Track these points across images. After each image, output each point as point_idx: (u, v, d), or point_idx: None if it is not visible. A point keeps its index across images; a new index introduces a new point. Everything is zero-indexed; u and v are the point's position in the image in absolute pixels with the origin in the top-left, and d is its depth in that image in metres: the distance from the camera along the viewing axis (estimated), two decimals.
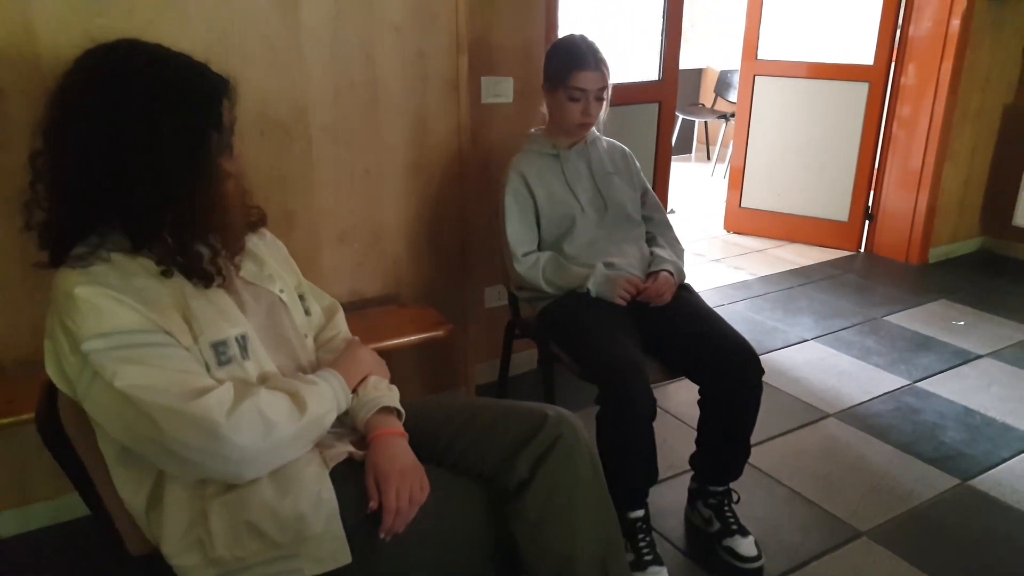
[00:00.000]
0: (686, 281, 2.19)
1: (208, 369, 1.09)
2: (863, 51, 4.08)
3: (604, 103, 2.11)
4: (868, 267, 4.16)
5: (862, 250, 4.40)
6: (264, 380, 1.16)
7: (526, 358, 2.79)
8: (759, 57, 4.37)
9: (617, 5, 3.12)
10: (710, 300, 3.66)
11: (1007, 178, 4.19)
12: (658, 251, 2.18)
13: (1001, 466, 2.40)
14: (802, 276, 4.02)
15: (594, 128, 2.23)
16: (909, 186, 4.10)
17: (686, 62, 6.92)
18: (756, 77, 4.39)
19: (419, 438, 1.26)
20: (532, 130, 2.23)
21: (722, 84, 6.50)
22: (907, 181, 4.10)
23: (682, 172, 6.36)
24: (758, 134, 4.46)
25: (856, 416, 2.69)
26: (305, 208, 2.12)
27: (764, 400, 2.65)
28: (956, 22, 3.73)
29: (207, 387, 1.04)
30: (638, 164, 2.30)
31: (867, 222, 4.34)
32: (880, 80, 4.06)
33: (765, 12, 4.32)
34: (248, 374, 1.13)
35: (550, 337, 2.07)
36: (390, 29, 2.14)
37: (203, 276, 1.10)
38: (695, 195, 5.71)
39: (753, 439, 2.48)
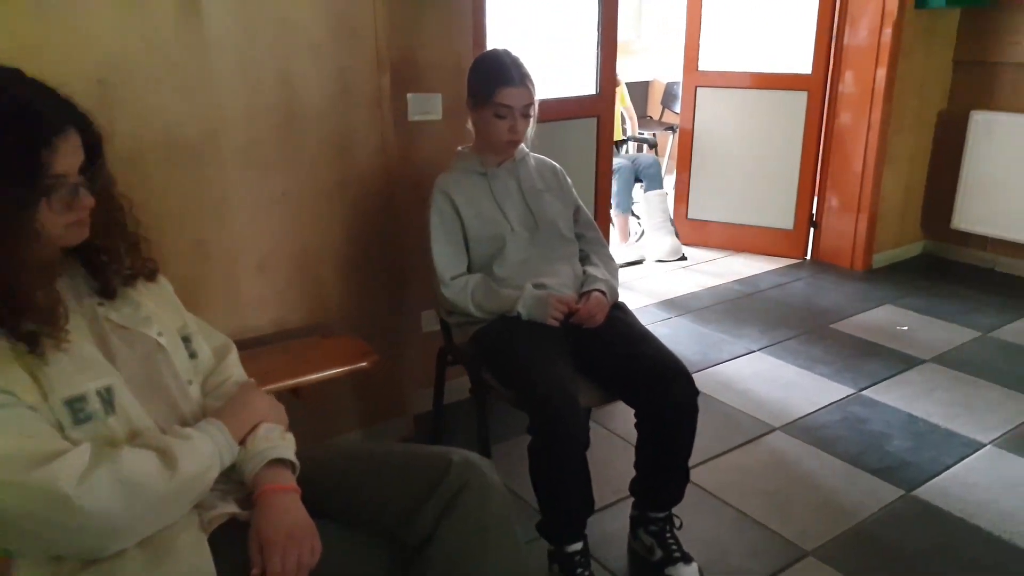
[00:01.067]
0: (624, 300, 2.14)
1: (62, 429, 0.98)
2: (802, 60, 4.10)
3: (531, 119, 2.05)
4: (814, 275, 4.16)
5: (808, 258, 4.41)
6: (134, 437, 1.04)
7: (465, 384, 2.71)
8: (700, 68, 4.37)
9: (550, 19, 3.07)
10: (659, 313, 3.67)
11: (945, 183, 4.23)
12: (591, 270, 2.12)
13: (945, 474, 2.38)
14: (750, 285, 4.00)
15: (523, 145, 2.16)
16: (851, 193, 4.12)
17: (633, 75, 6.94)
18: (698, 88, 4.39)
19: (315, 491, 1.16)
20: (460, 148, 2.16)
21: (669, 96, 6.52)
22: (848, 188, 4.12)
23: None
24: (702, 145, 4.46)
25: (803, 428, 2.66)
26: (219, 236, 2.02)
27: (711, 415, 2.61)
28: (888, 31, 3.77)
29: (57, 451, 0.93)
30: (569, 181, 2.24)
31: (812, 230, 4.35)
32: (818, 89, 4.08)
33: (705, 24, 4.32)
34: (113, 432, 1.02)
35: (482, 364, 1.99)
36: (306, 47, 2.05)
37: (26, 340, 0.98)
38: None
39: (699, 457, 2.44)
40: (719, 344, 3.32)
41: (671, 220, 4.41)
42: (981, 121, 3.99)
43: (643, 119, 6.71)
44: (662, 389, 1.84)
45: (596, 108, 3.17)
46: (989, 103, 4.03)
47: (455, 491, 1.13)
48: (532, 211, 2.10)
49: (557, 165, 2.24)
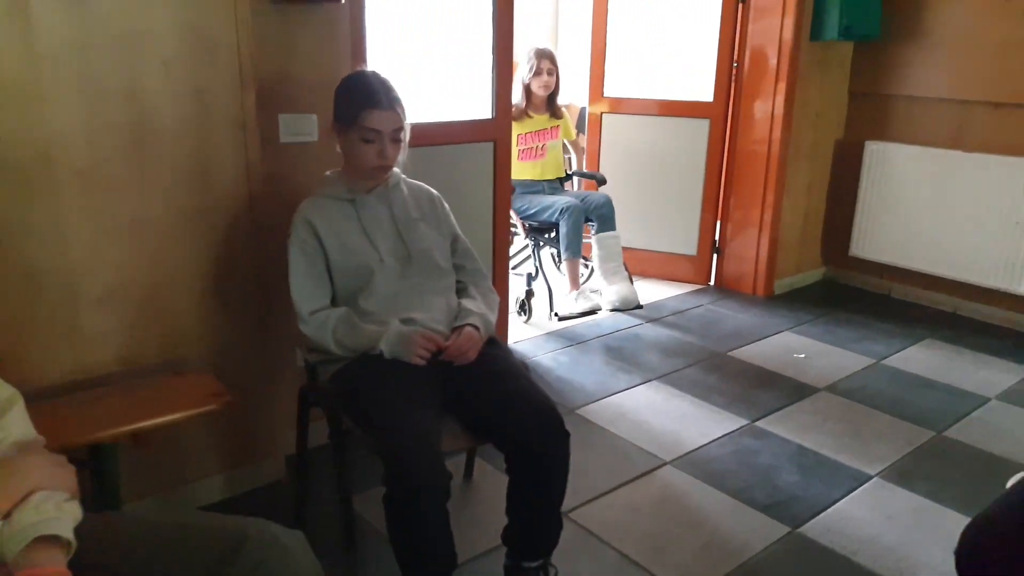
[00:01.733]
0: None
1: None
2: (704, 88, 4.13)
3: (402, 144, 1.95)
4: (716, 301, 4.17)
5: (712, 284, 4.42)
6: None
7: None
8: (605, 95, 4.36)
9: (443, 37, 2.97)
10: (557, 342, 3.60)
11: (843, 210, 4.31)
12: (466, 303, 2.02)
13: (831, 509, 2.36)
14: (652, 312, 3.97)
15: (398, 170, 2.06)
16: (752, 220, 4.15)
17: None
18: (603, 115, 4.37)
19: (95, 572, 1.01)
20: (327, 173, 2.04)
21: (583, 120, 6.51)
22: (750, 215, 4.15)
23: None
24: (608, 171, 4.43)
25: (694, 462, 2.60)
26: (55, 266, 1.84)
27: (603, 450, 2.52)
28: (785, 62, 3.82)
29: None
30: (447, 208, 2.14)
31: (715, 256, 4.37)
32: (720, 117, 4.11)
33: (610, 51, 4.31)
34: None
35: (341, 407, 1.86)
36: (158, 62, 1.90)
37: None
38: None
39: (586, 496, 2.36)
40: (617, 373, 3.26)
41: (625, 265, 3.94)
42: (876, 151, 4.08)
43: None
44: (532, 432, 1.74)
45: (492, 132, 3.09)
46: (883, 134, 4.13)
47: (250, 571, 0.99)
48: (405, 241, 1.99)
49: (434, 192, 2.14)
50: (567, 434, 1.79)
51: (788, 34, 3.79)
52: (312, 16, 2.20)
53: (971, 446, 2.73)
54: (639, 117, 4.29)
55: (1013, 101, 3.63)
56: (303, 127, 2.27)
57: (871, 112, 4.17)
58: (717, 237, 4.33)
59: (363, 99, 1.87)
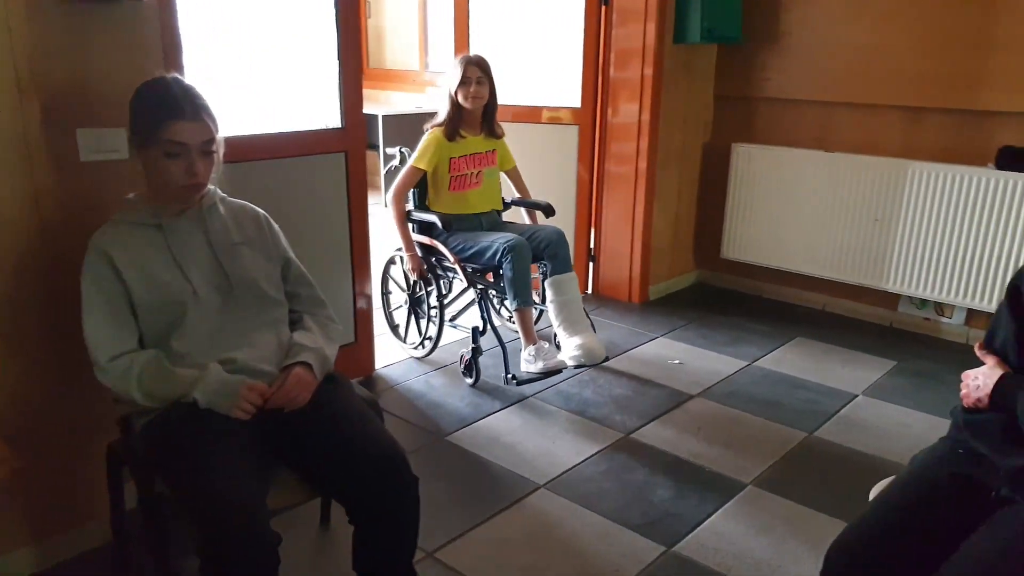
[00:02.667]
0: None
1: None
2: (572, 94, 4.05)
3: (214, 159, 1.73)
4: (594, 310, 4.09)
5: (589, 292, 4.35)
6: None
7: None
8: None
9: (281, 40, 2.75)
10: (431, 365, 3.39)
11: (713, 213, 4.33)
12: (299, 337, 1.81)
13: (706, 523, 2.28)
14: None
15: (216, 189, 1.83)
16: (624, 226, 4.10)
17: (420, 104, 6.75)
18: None
19: None
20: (129, 196, 1.79)
21: None
22: (622, 221, 4.10)
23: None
24: None
25: (567, 484, 2.48)
26: None
27: (473, 478, 2.35)
28: (650, 66, 3.79)
29: None
30: (276, 228, 1.93)
31: (591, 264, 4.30)
32: (588, 123, 4.04)
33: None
34: None
35: (150, 466, 1.62)
36: None
37: None
38: None
39: (454, 531, 2.19)
40: (491, 392, 3.11)
41: (586, 310, 3.28)
42: (742, 154, 4.11)
43: None
44: (374, 482, 1.57)
45: (343, 143, 2.89)
46: (749, 136, 4.17)
47: None
48: (224, 269, 1.77)
49: (260, 211, 1.92)
50: (414, 480, 1.62)
51: (652, 38, 3.76)
52: (110, 16, 1.93)
53: (840, 445, 2.73)
54: (508, 124, 4.16)
55: (869, 102, 3.72)
56: (109, 143, 2.00)
57: (737, 115, 4.21)
58: (592, 245, 4.27)
59: (163, 109, 1.64)
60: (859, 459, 2.64)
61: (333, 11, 2.73)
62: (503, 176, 3.44)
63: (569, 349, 3.05)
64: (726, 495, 2.43)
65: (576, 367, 3.12)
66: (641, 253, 4.09)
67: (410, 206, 3.30)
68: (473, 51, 4.13)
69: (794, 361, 3.45)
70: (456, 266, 3.13)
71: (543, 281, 3.22)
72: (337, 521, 2.26)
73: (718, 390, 3.16)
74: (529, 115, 4.13)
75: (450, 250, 3.15)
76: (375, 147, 6.54)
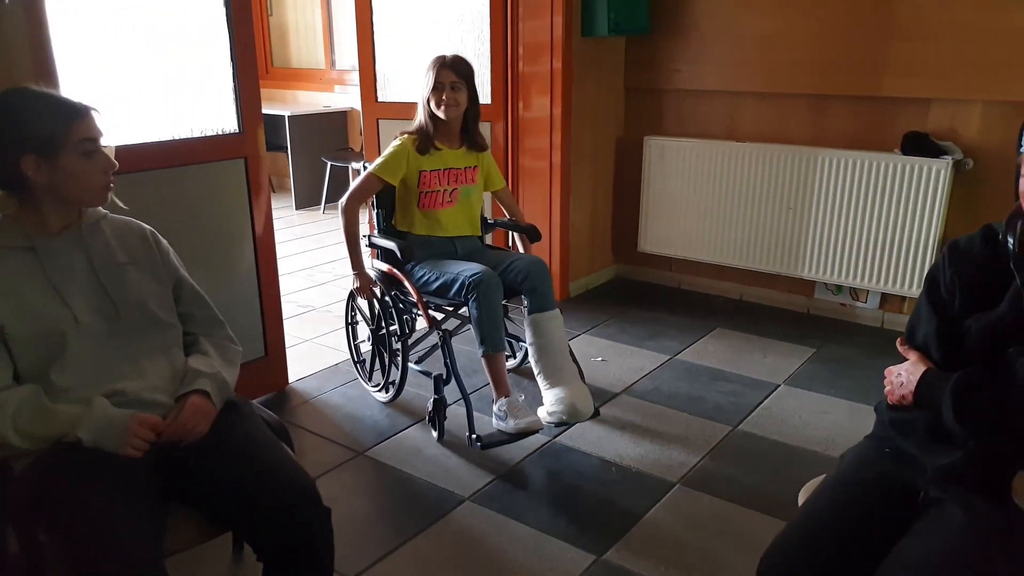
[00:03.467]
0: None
1: None
2: (483, 90, 3.96)
3: None
4: (515, 310, 4.02)
5: None
6: None
7: None
8: (380, 99, 4.08)
9: (164, 44, 2.55)
10: (348, 375, 3.27)
11: (629, 207, 4.32)
12: (195, 362, 1.67)
13: (636, 527, 2.24)
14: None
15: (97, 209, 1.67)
16: (542, 222, 4.03)
17: (328, 103, 6.55)
18: (379, 120, 4.10)
19: None
20: None
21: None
22: (540, 217, 4.03)
23: (338, 223, 5.93)
24: None
25: (493, 495, 2.40)
26: None
27: (395, 496, 2.25)
28: (559, 60, 3.73)
29: None
30: (166, 245, 1.77)
31: None
32: (500, 118, 3.96)
33: (381, 52, 4.04)
34: None
35: (32, 513, 1.45)
36: None
37: None
38: None
39: (375, 554, 2.12)
40: (413, 403, 3.00)
41: (573, 355, 2.76)
42: (654, 146, 4.10)
43: (344, 151, 6.34)
44: (279, 517, 1.44)
45: (241, 148, 2.72)
46: (660, 129, 4.16)
47: None
48: (109, 293, 1.61)
49: (147, 227, 1.76)
50: (326, 512, 1.51)
51: (559, 31, 3.71)
52: None
53: (765, 438, 2.74)
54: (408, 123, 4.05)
55: (776, 91, 3.76)
56: None
57: (647, 108, 4.20)
58: (510, 244, 4.19)
59: (62, 110, 1.52)
60: (784, 451, 2.65)
61: (223, 9, 2.56)
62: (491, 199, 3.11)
63: (549, 403, 2.56)
64: (655, 496, 2.39)
65: (556, 425, 2.60)
66: (560, 249, 4.04)
67: (365, 229, 2.96)
68: (382, 48, 4.01)
69: (715, 353, 3.46)
70: (417, 302, 2.70)
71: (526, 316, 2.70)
72: (251, 552, 2.12)
73: (641, 387, 3.13)
74: None
75: (413, 281, 2.73)
76: (282, 148, 6.31)
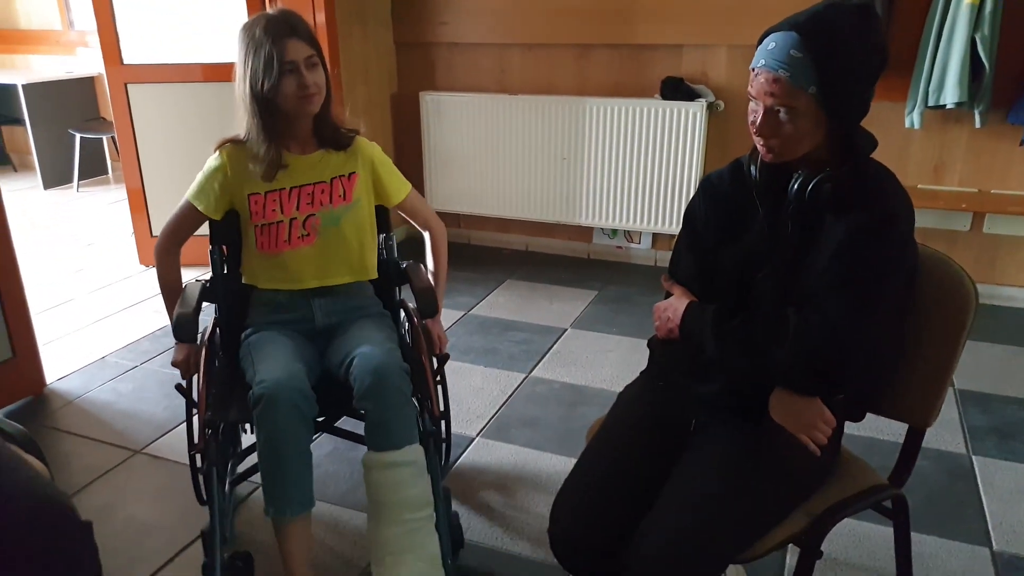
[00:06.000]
0: None
1: None
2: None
3: None
4: None
5: None
6: None
7: None
8: (125, 62, 3.69)
9: None
10: (117, 368, 2.90)
11: (411, 164, 4.24)
12: None
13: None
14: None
15: None
16: None
17: (70, 69, 5.84)
18: (128, 85, 3.70)
19: None
20: None
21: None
22: None
23: (97, 201, 5.36)
24: (150, 149, 3.81)
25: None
26: None
27: (179, 492, 2.18)
28: (321, 14, 3.54)
29: None
30: None
31: None
32: None
33: (122, 9, 3.63)
34: None
35: None
36: None
37: None
38: (111, 226, 4.80)
39: (162, 557, 1.95)
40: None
41: (438, 511, 1.78)
42: (430, 102, 4.05)
43: (96, 121, 5.71)
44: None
45: None
46: (435, 83, 4.11)
47: None
48: None
49: None
50: (85, 528, 1.33)
51: None
52: None
53: (556, 381, 2.83)
54: (172, 86, 3.71)
55: (541, 42, 3.82)
56: None
57: (419, 62, 4.13)
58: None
59: None
60: (573, 392, 2.76)
61: None
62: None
63: None
64: (456, 454, 2.40)
65: None
66: None
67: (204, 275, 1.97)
68: (120, 4, 3.59)
69: (506, 304, 3.52)
70: (199, 403, 1.79)
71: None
72: None
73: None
74: (184, 74, 3.70)
75: (212, 369, 1.88)
76: (19, 121, 5.57)
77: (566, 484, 1.45)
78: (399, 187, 2.05)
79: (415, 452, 1.72)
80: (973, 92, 3.04)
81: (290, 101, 1.77)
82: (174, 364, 1.88)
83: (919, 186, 3.43)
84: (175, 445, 2.46)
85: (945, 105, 3.08)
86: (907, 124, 3.20)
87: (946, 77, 3.04)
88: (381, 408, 1.70)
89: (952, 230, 3.44)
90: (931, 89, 3.09)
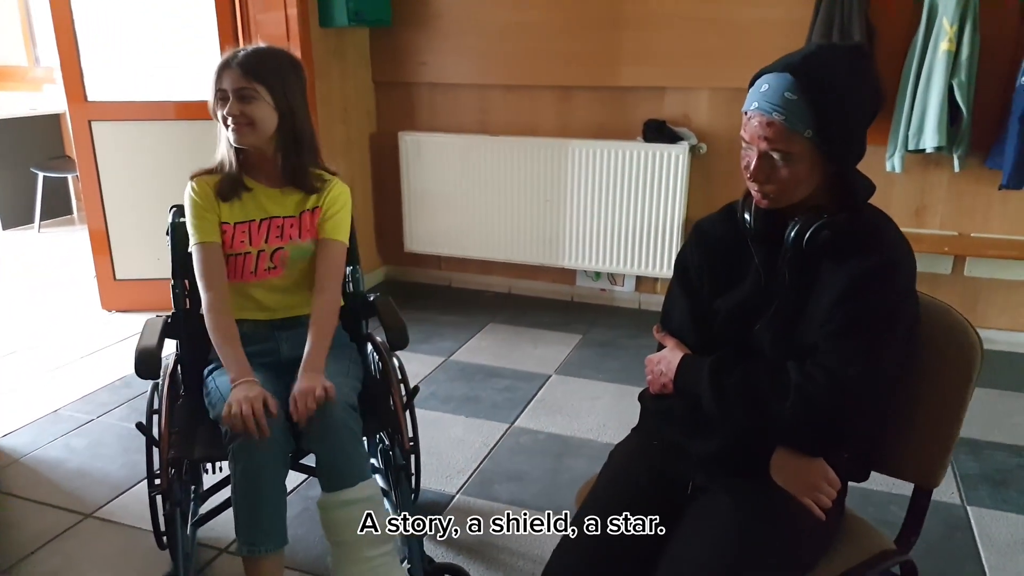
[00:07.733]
0: None
1: None
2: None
3: None
4: None
5: None
6: None
7: None
8: (90, 99, 3.55)
9: None
10: (69, 423, 2.68)
11: (390, 206, 4.15)
12: None
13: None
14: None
15: None
16: None
17: (34, 106, 5.68)
18: (92, 122, 3.56)
19: None
20: None
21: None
22: None
23: (59, 242, 5.17)
24: (115, 189, 3.65)
25: None
26: None
27: (134, 558, 1.90)
28: (296, 52, 3.45)
29: None
30: None
31: None
32: None
33: (85, 42, 3.51)
34: None
35: None
36: None
37: None
38: (72, 268, 4.61)
39: None
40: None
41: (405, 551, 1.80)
42: (410, 142, 3.95)
43: (60, 159, 5.55)
44: None
45: None
46: (414, 123, 4.02)
47: None
48: None
49: None
50: None
51: (295, 22, 3.42)
52: None
53: (541, 431, 2.69)
54: (140, 123, 3.58)
55: (523, 83, 3.75)
56: None
57: (399, 102, 4.04)
58: None
59: None
60: (559, 443, 2.62)
61: None
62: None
63: None
64: (433, 512, 2.24)
65: None
66: None
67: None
68: (89, 38, 3.47)
69: (488, 349, 3.39)
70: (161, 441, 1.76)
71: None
72: None
73: (420, 394, 2.96)
74: (153, 111, 3.57)
75: (173, 406, 1.87)
76: None
77: (557, 551, 1.33)
78: (333, 229, 1.93)
79: (370, 487, 1.67)
80: (952, 136, 3.02)
81: (227, 130, 1.79)
82: (230, 416, 1.61)
83: (902, 229, 3.36)
84: (130, 506, 2.27)
85: (925, 149, 3.05)
86: (888, 168, 3.16)
87: (925, 122, 3.02)
88: (327, 448, 1.67)
89: (935, 273, 3.39)
90: (911, 133, 3.07)
